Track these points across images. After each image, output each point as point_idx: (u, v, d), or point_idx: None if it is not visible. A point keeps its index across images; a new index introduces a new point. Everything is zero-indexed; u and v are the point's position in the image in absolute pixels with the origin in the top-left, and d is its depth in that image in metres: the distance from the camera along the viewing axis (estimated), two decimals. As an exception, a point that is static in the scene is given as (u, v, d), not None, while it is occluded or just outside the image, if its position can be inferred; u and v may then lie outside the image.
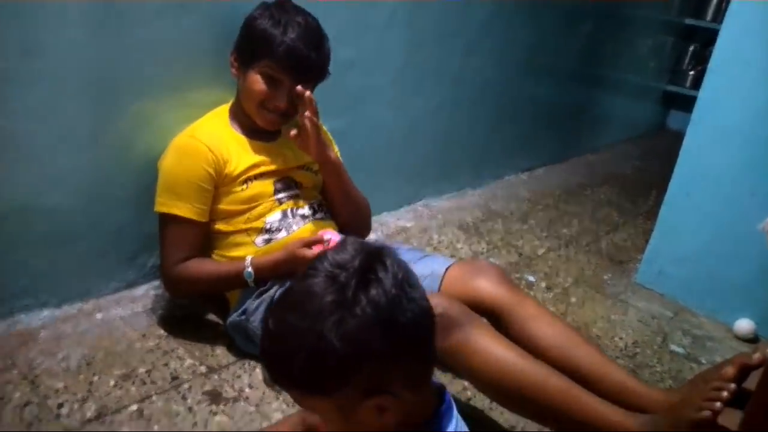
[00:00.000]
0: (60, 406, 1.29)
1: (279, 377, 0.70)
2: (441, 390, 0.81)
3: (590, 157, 3.56)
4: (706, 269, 2.04)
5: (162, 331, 1.59)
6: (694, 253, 2.06)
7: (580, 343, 1.41)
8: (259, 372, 1.48)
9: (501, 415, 1.43)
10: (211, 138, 1.51)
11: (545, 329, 1.42)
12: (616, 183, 3.24)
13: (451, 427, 0.76)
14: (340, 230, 1.61)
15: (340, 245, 0.71)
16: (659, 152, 3.66)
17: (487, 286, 1.49)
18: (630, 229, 2.68)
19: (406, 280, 0.69)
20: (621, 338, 1.87)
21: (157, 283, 1.74)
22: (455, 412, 0.80)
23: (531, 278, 2.15)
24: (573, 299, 2.07)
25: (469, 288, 1.45)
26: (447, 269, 1.53)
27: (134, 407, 1.32)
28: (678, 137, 2.12)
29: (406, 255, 1.62)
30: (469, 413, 1.43)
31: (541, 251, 2.37)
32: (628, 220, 2.79)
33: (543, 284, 2.13)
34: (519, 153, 3.09)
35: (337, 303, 0.66)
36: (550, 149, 3.30)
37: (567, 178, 3.21)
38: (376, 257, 0.69)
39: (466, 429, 0.82)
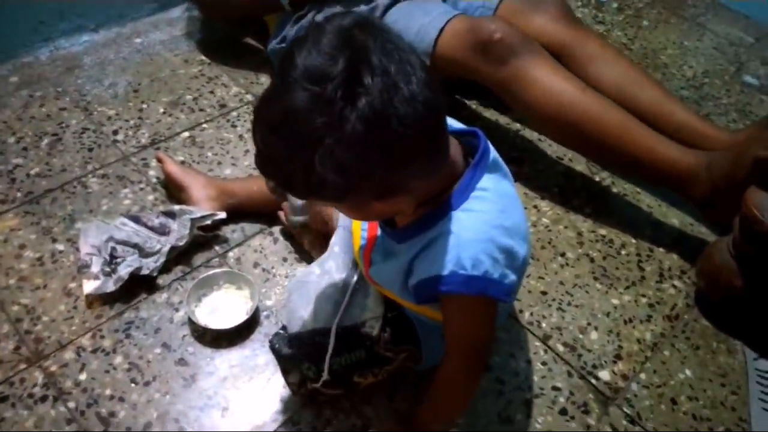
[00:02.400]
0: (115, 132, 1.33)
1: (281, 189, 0.64)
2: (473, 142, 0.74)
3: None
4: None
5: (203, 57, 1.54)
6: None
7: (644, 83, 1.31)
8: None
9: (549, 146, 1.41)
10: None
11: (606, 70, 1.31)
12: None
13: (482, 182, 0.71)
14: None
15: (315, 34, 0.58)
16: None
17: (545, 23, 1.35)
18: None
19: (400, 72, 0.57)
20: (690, 67, 1.73)
21: (190, 3, 1.64)
22: (490, 161, 0.74)
23: (602, -3, 1.93)
24: (645, 22, 1.87)
25: (525, 25, 1.31)
26: (501, 1, 1.37)
27: (186, 134, 1.35)
28: None
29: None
30: (518, 144, 1.42)
31: (616, -36, 2.07)
32: None
33: (614, 5, 1.91)
34: None
35: (325, 126, 0.56)
36: None
37: None
38: (361, 54, 0.56)
39: (507, 180, 0.78)
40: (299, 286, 0.90)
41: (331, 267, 0.91)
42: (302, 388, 0.89)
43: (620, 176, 1.36)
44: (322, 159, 0.57)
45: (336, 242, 0.94)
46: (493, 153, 0.76)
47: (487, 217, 0.71)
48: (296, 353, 0.86)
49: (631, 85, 1.29)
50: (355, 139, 0.56)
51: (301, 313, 0.88)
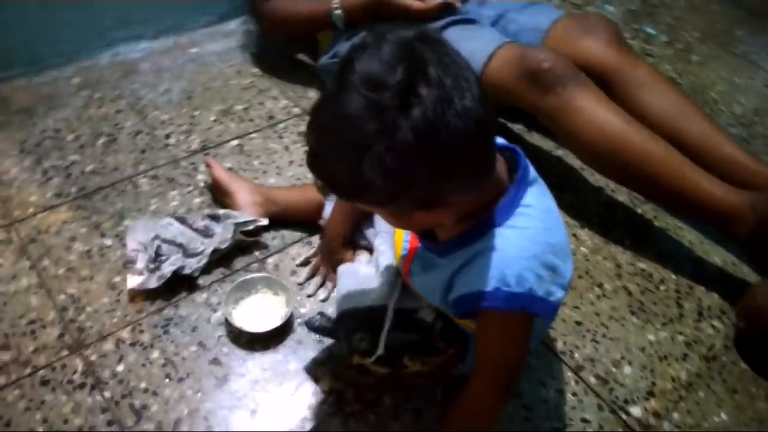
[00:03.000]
0: (167, 136, 1.38)
1: (329, 189, 0.66)
2: (515, 159, 0.75)
3: None
4: None
5: (256, 69, 1.59)
6: None
7: (692, 114, 1.29)
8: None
9: (591, 175, 1.40)
10: None
11: (655, 98, 1.29)
12: None
13: (526, 198, 0.72)
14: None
15: (376, 42, 0.60)
16: None
17: (596, 47, 1.34)
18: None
19: (456, 86, 0.58)
20: (740, 104, 1.70)
21: (248, 17, 1.70)
22: (530, 179, 0.75)
23: (651, 30, 1.91)
24: (695, 57, 1.85)
25: (575, 48, 1.31)
26: (553, 23, 1.38)
27: (235, 142, 1.39)
28: None
29: (507, 2, 1.45)
30: (560, 171, 1.41)
31: (668, -3, 2.07)
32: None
33: (663, 38, 1.90)
34: None
35: (377, 132, 0.57)
36: None
37: None
38: (419, 65, 0.58)
39: (549, 197, 0.79)
40: (350, 272, 0.92)
41: (379, 259, 0.93)
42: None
43: (663, 210, 1.35)
44: (370, 163, 0.58)
45: (382, 242, 0.95)
46: (533, 171, 0.77)
47: (532, 234, 0.71)
48: (349, 326, 0.87)
49: (679, 115, 1.28)
50: (405, 147, 0.58)
51: (353, 293, 0.89)
